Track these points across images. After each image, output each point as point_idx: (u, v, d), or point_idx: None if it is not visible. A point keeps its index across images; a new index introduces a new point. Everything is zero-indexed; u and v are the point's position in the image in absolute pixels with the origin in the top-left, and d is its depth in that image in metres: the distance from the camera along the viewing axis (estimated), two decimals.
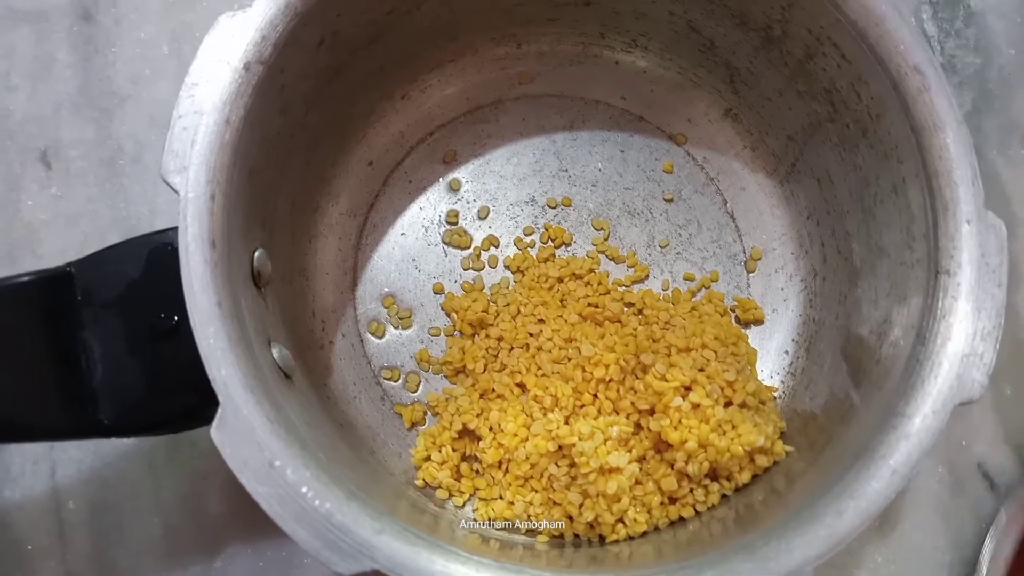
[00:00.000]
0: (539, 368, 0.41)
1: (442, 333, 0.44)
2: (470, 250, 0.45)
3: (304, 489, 0.29)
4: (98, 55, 0.48)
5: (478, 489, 0.40)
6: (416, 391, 0.43)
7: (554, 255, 0.45)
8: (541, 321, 0.42)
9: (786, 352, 0.43)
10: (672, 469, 0.38)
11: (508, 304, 0.43)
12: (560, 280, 0.44)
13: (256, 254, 0.34)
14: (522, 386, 0.41)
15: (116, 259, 0.33)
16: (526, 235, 0.45)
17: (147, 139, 0.46)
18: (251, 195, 0.34)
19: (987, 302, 0.31)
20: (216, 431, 0.29)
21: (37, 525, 0.41)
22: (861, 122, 0.37)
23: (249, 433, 0.29)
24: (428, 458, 0.41)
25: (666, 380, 0.38)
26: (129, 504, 0.42)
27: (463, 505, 0.40)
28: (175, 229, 0.30)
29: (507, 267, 0.45)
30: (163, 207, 0.45)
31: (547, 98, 0.47)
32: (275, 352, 0.34)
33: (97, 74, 0.47)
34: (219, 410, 0.29)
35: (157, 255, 0.32)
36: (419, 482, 0.40)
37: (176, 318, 0.32)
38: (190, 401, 0.31)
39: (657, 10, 0.43)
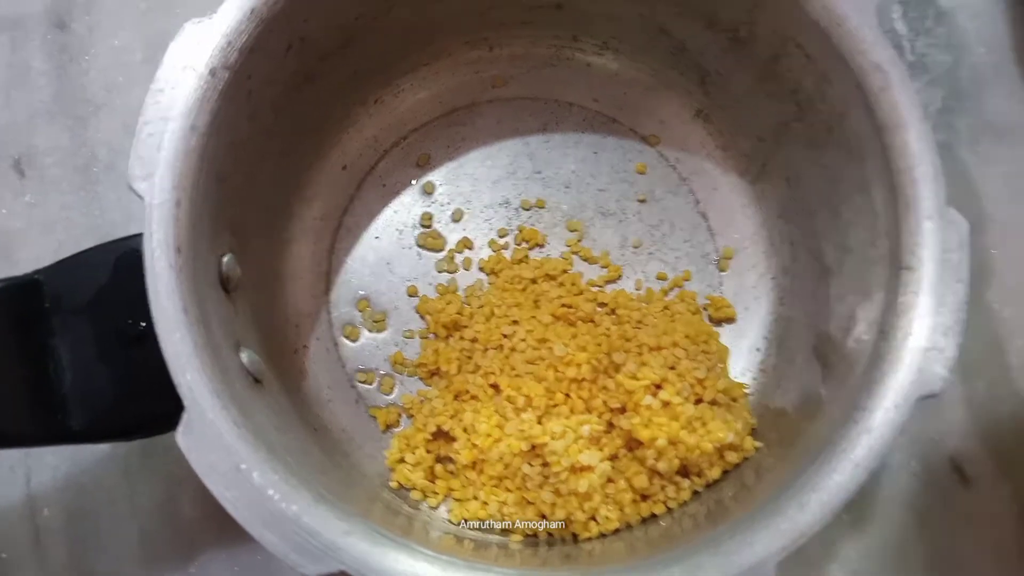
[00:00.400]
0: (512, 369, 0.41)
1: (416, 335, 0.44)
2: (444, 252, 0.45)
3: (271, 492, 0.29)
4: (72, 63, 0.48)
5: (452, 490, 0.40)
6: (391, 394, 0.43)
7: (528, 256, 0.45)
8: (515, 322, 0.43)
9: (758, 349, 0.43)
10: (643, 466, 0.38)
11: (482, 306, 0.43)
12: (534, 281, 0.44)
13: (225, 259, 0.35)
14: (496, 387, 0.41)
15: (85, 265, 0.33)
16: (500, 237, 0.46)
17: (121, 146, 0.46)
18: (219, 200, 0.34)
19: (948, 297, 0.32)
20: (182, 436, 0.29)
21: (13, 533, 0.41)
22: (827, 121, 0.37)
23: (215, 437, 0.29)
24: (402, 460, 0.41)
25: (637, 379, 0.38)
26: (105, 510, 0.42)
27: (437, 506, 0.40)
28: (143, 234, 0.31)
29: (481, 269, 0.45)
30: (138, 214, 0.44)
31: (520, 101, 0.47)
32: (244, 356, 0.34)
33: (71, 82, 0.48)
34: (184, 415, 0.29)
35: (125, 261, 0.32)
36: (393, 484, 0.41)
37: (144, 323, 0.32)
38: (160, 406, 0.31)
39: (628, 13, 0.43)
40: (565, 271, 0.44)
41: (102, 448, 0.42)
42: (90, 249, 0.33)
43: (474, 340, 0.43)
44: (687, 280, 0.45)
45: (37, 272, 0.33)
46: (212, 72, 0.32)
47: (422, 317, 0.44)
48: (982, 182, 0.48)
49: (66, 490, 0.42)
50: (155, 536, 0.42)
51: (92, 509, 0.42)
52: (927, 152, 0.33)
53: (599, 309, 0.44)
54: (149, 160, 0.31)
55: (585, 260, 0.45)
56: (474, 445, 0.39)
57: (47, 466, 0.42)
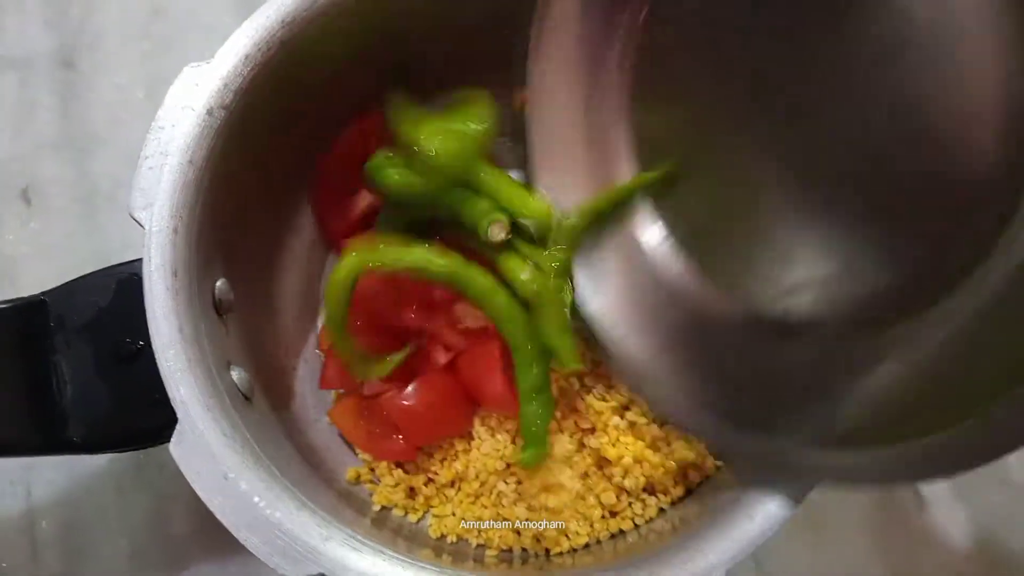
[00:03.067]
0: None
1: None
2: None
3: (256, 499, 0.31)
4: (78, 100, 0.51)
5: (432, 506, 0.42)
6: None
7: None
8: None
9: None
10: (612, 484, 0.40)
11: None
12: None
13: (218, 284, 0.37)
14: None
15: (87, 288, 0.35)
16: None
17: (122, 178, 0.49)
18: (214, 229, 0.36)
19: None
20: (175, 446, 0.31)
21: (11, 543, 0.43)
22: None
23: (205, 448, 0.31)
24: (383, 479, 0.43)
25: (606, 400, 0.41)
26: (99, 524, 0.44)
27: (418, 521, 0.42)
28: (142, 260, 0.33)
29: None
30: (136, 241, 0.47)
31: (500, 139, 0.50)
32: (234, 375, 0.36)
33: (76, 117, 0.50)
34: (177, 427, 0.31)
35: (125, 284, 0.35)
36: (375, 505, 0.42)
37: (141, 343, 0.34)
38: (153, 420, 0.33)
39: None
40: None
41: (98, 463, 0.44)
42: (92, 273, 0.35)
43: None
44: None
45: (43, 294, 0.35)
46: (209, 111, 0.35)
47: None
48: None
49: (63, 504, 0.44)
50: (146, 549, 0.44)
51: (87, 522, 0.44)
52: None
53: None
54: (149, 191, 0.34)
55: None
56: (452, 464, 0.42)
57: (46, 480, 0.44)
